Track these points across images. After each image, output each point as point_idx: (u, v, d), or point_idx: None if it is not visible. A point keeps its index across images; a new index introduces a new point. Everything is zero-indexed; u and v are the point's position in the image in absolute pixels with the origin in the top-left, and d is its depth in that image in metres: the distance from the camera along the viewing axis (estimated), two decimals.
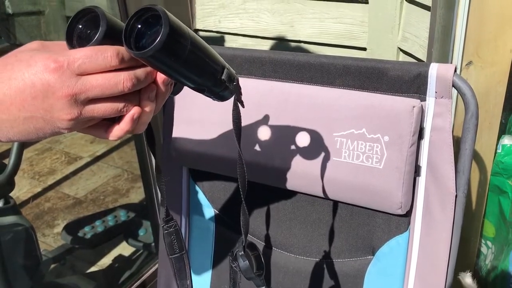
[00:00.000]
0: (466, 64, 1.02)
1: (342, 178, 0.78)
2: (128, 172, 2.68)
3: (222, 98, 0.57)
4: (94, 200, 2.45)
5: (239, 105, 0.57)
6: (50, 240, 2.16)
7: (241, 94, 0.57)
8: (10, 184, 1.26)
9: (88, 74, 0.48)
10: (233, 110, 0.57)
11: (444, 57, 1.00)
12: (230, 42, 1.42)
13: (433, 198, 0.78)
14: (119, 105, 0.50)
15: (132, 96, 0.51)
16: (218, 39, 1.43)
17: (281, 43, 1.33)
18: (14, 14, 1.80)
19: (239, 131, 0.57)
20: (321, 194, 0.82)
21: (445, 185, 0.75)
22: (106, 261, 1.98)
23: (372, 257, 0.84)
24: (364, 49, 1.21)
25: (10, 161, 1.21)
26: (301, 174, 0.82)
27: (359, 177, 0.77)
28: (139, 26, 0.48)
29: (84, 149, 2.91)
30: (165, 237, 0.69)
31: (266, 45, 1.37)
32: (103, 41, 0.49)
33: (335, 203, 0.86)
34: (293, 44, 1.32)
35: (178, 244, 0.70)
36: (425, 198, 0.79)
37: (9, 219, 1.41)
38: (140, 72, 0.50)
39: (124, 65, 0.49)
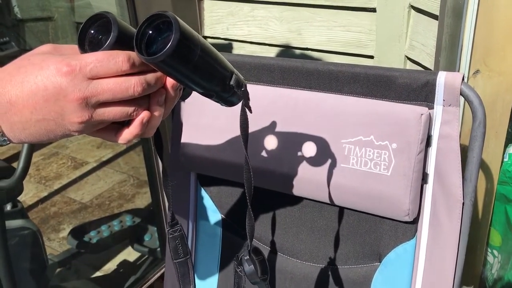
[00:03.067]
0: (474, 73, 1.02)
1: (349, 184, 0.79)
2: (133, 177, 2.69)
3: (230, 103, 0.58)
4: (99, 205, 2.46)
5: (247, 110, 0.58)
6: (56, 244, 2.17)
7: (249, 100, 0.58)
8: (19, 188, 1.26)
9: (100, 78, 0.49)
10: (240, 115, 0.57)
11: (452, 66, 1.00)
12: (238, 49, 1.43)
13: (440, 206, 0.78)
14: (129, 109, 0.51)
15: (142, 100, 0.52)
16: (226, 46, 1.44)
17: (288, 50, 1.34)
18: (24, 20, 1.82)
19: (247, 136, 0.58)
20: (329, 201, 0.83)
21: (452, 192, 0.76)
22: (111, 266, 1.98)
23: (378, 263, 0.85)
24: (371, 57, 1.22)
25: (19, 165, 1.21)
26: (309, 180, 0.82)
27: (366, 183, 0.77)
28: (150, 31, 0.49)
29: (90, 154, 2.92)
30: (170, 242, 0.70)
31: (273, 53, 1.37)
32: (114, 46, 0.50)
33: (342, 210, 0.86)
34: (300, 51, 1.32)
35: (182, 248, 0.71)
36: (432, 206, 0.79)
37: (17, 223, 1.41)
38: (150, 77, 0.51)
39: (134, 70, 0.50)
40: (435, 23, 1.03)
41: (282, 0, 1.29)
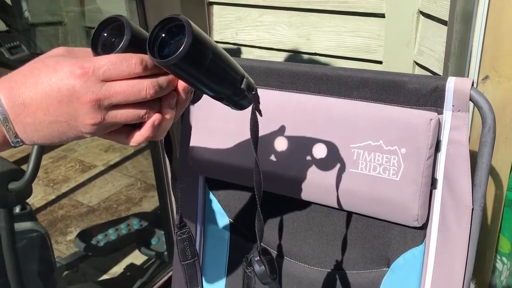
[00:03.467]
0: (483, 79, 1.02)
1: (358, 189, 0.79)
2: (141, 181, 2.70)
3: (240, 107, 0.58)
4: (107, 209, 2.46)
5: (257, 114, 0.58)
6: (63, 247, 2.18)
7: (260, 103, 0.58)
8: (28, 190, 1.27)
9: (113, 80, 0.49)
10: (251, 118, 0.58)
11: (461, 71, 1.00)
12: (247, 54, 1.44)
13: (449, 211, 0.78)
14: (141, 112, 0.51)
15: (153, 103, 0.52)
16: (235, 51, 1.45)
17: (297, 55, 1.34)
18: (35, 24, 1.84)
19: (257, 139, 0.58)
20: (337, 205, 0.83)
21: (462, 198, 0.76)
22: (118, 269, 1.98)
23: (387, 269, 0.84)
24: (380, 62, 1.22)
25: (28, 168, 1.22)
26: (318, 185, 0.82)
27: (375, 188, 0.77)
28: (163, 35, 0.50)
29: (98, 157, 2.93)
30: (178, 243, 0.70)
31: (282, 57, 1.38)
32: (127, 49, 0.50)
33: (351, 215, 0.86)
34: (309, 56, 1.33)
35: (190, 250, 0.71)
36: (441, 211, 0.79)
37: (26, 225, 1.42)
38: (163, 80, 0.51)
39: (147, 73, 0.50)
40: (444, 28, 1.03)
41: (291, 5, 1.30)
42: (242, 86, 0.54)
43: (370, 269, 0.86)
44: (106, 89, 0.48)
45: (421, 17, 1.12)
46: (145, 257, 1.94)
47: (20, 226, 1.39)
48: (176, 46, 0.48)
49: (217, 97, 0.55)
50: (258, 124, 0.58)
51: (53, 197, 2.56)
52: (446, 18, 1.01)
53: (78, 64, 0.48)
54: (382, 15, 1.17)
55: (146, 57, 0.50)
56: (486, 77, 1.02)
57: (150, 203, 2.49)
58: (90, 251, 1.85)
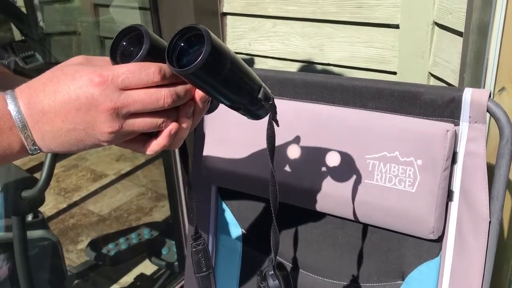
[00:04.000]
0: (499, 90, 1.01)
1: (374, 201, 0.78)
2: (152, 190, 2.70)
3: (257, 116, 0.58)
4: (117, 218, 2.47)
5: (274, 124, 0.58)
6: (74, 256, 2.18)
7: (276, 113, 0.58)
8: (40, 198, 1.28)
9: (131, 89, 0.49)
10: (267, 128, 0.57)
11: (477, 83, 1.00)
12: (260, 64, 1.44)
13: (465, 224, 0.77)
14: (159, 120, 0.51)
15: (170, 112, 0.52)
16: (248, 61, 1.45)
17: (310, 66, 1.34)
18: (49, 34, 1.86)
19: (273, 149, 0.58)
20: (352, 217, 0.82)
21: (479, 210, 0.75)
22: (128, 279, 1.98)
23: (401, 282, 0.83)
24: (394, 73, 1.21)
25: (41, 176, 1.23)
26: (332, 196, 0.82)
27: (391, 200, 0.76)
28: (182, 44, 0.50)
29: (109, 167, 2.94)
30: (193, 255, 0.69)
31: (295, 68, 1.38)
32: (146, 58, 0.50)
33: (365, 226, 0.85)
34: (322, 67, 1.33)
35: (205, 262, 0.70)
36: (458, 224, 0.78)
37: (38, 233, 1.43)
38: (180, 89, 0.51)
39: (165, 82, 0.50)
40: (459, 39, 1.03)
41: (304, 16, 1.30)
42: (260, 96, 0.54)
43: (385, 282, 0.85)
44: (124, 98, 0.49)
45: (436, 28, 1.11)
46: (156, 267, 1.94)
47: (32, 234, 1.39)
48: (195, 56, 0.48)
49: (234, 106, 0.55)
50: (274, 135, 0.58)
51: (64, 205, 2.57)
52: (461, 29, 1.01)
53: (97, 73, 0.48)
54: (396, 26, 1.17)
55: (165, 66, 0.50)
56: (503, 89, 1.01)
57: (161, 213, 2.49)
58: (100, 260, 1.85)
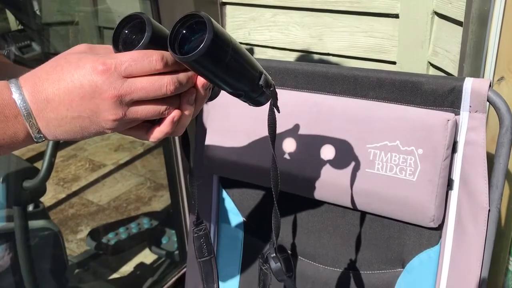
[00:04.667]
0: (498, 80, 1.01)
1: (375, 189, 0.79)
2: (150, 180, 2.71)
3: (258, 103, 0.58)
4: (117, 208, 2.48)
5: (275, 110, 0.58)
6: (73, 246, 2.19)
7: (277, 99, 0.59)
8: (42, 188, 1.28)
9: (134, 76, 0.50)
10: (268, 115, 0.58)
11: (476, 73, 1.00)
12: (260, 54, 1.44)
13: (465, 212, 0.78)
14: (161, 108, 0.52)
15: (173, 99, 0.53)
16: (248, 51, 1.45)
17: (310, 55, 1.34)
18: (46, 23, 1.85)
19: (274, 136, 0.59)
20: (353, 206, 0.83)
21: (478, 199, 0.75)
22: (128, 268, 1.99)
23: (402, 269, 0.84)
24: (394, 63, 1.22)
25: (43, 166, 1.23)
26: (333, 185, 0.82)
27: (392, 189, 0.77)
28: (184, 31, 0.50)
29: (108, 156, 2.94)
30: (194, 241, 0.70)
31: (295, 58, 1.38)
32: (148, 46, 0.51)
33: (366, 215, 0.86)
34: (321, 56, 1.33)
35: (207, 247, 0.71)
36: (457, 212, 0.79)
37: (39, 223, 1.43)
38: (182, 76, 0.52)
39: (167, 69, 0.51)
40: (459, 29, 1.03)
41: (304, 5, 1.30)
42: (261, 83, 0.55)
43: (385, 269, 0.86)
44: (127, 85, 0.49)
45: (436, 17, 1.11)
46: (155, 256, 1.95)
47: (33, 224, 1.40)
48: (197, 43, 0.49)
49: (235, 93, 0.55)
50: (276, 121, 0.58)
51: (63, 196, 2.58)
52: (461, 19, 1.01)
53: (100, 61, 0.49)
54: (396, 16, 1.17)
55: (167, 54, 0.51)
56: (502, 78, 1.01)
57: (160, 202, 2.50)
58: (101, 249, 1.87)
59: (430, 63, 1.16)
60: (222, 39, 0.49)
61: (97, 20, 1.77)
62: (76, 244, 2.19)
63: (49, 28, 1.82)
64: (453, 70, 1.07)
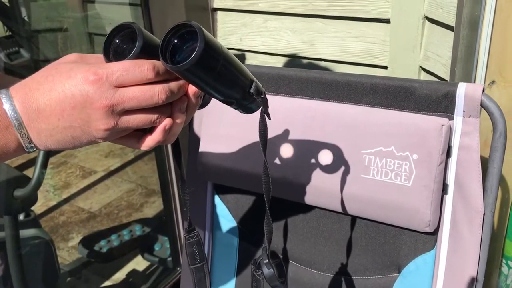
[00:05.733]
0: (489, 84, 1.02)
1: (370, 195, 0.79)
2: (142, 186, 2.69)
3: (249, 110, 0.59)
4: (108, 214, 2.46)
5: (266, 117, 0.59)
6: (65, 253, 2.17)
7: (268, 107, 0.59)
8: (33, 197, 1.27)
9: (125, 86, 0.50)
10: (260, 122, 0.58)
11: (468, 77, 1.01)
12: (251, 59, 1.44)
13: (460, 216, 0.78)
14: (153, 117, 0.52)
15: (164, 108, 0.53)
16: (239, 57, 1.45)
17: (301, 61, 1.35)
18: (34, 30, 1.83)
19: (265, 142, 0.59)
20: (348, 212, 0.83)
21: (473, 203, 0.76)
22: (121, 275, 1.98)
23: (397, 274, 0.85)
24: (385, 67, 1.22)
25: (34, 175, 1.22)
26: (328, 191, 0.82)
27: (387, 194, 0.77)
28: (175, 41, 0.50)
29: (98, 163, 2.93)
30: (187, 247, 0.70)
31: (287, 63, 1.38)
32: (139, 55, 0.51)
33: (361, 220, 0.86)
34: (313, 62, 1.33)
35: (199, 254, 0.71)
36: (452, 216, 0.79)
37: (30, 232, 1.42)
38: (174, 85, 0.52)
39: (159, 78, 0.51)
40: (450, 34, 1.04)
41: (295, 11, 1.30)
42: (251, 90, 0.55)
43: (381, 274, 0.86)
44: (119, 95, 0.49)
45: (427, 22, 1.12)
46: (148, 263, 1.94)
47: (24, 233, 1.39)
48: (188, 52, 0.49)
49: (226, 101, 0.56)
50: (267, 128, 0.59)
51: (54, 203, 2.56)
52: (452, 24, 1.02)
53: (91, 70, 0.49)
54: (387, 21, 1.18)
55: (158, 63, 0.51)
56: (493, 82, 1.02)
57: (152, 209, 2.48)
58: (93, 257, 1.85)
59: (421, 67, 1.17)
60: (213, 48, 0.49)
61: (87, 27, 1.76)
62: (68, 252, 2.17)
63: (38, 34, 1.81)
64: (445, 74, 1.08)
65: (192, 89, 0.53)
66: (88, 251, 1.84)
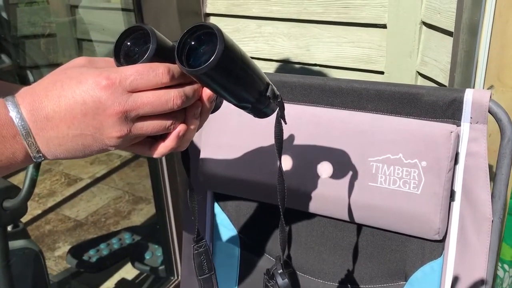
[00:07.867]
0: (488, 88, 1.03)
1: (378, 203, 0.78)
2: (129, 193, 2.65)
3: (264, 115, 0.57)
4: (95, 223, 2.42)
5: (282, 121, 0.57)
6: (52, 263, 2.12)
7: (284, 110, 0.57)
8: (23, 208, 1.23)
9: (139, 91, 0.47)
10: (275, 126, 0.56)
11: (467, 82, 1.01)
12: None
13: (468, 223, 0.77)
14: (167, 123, 0.49)
15: (178, 113, 0.50)
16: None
17: (297, 66, 1.34)
18: (21, 36, 1.80)
19: (281, 147, 0.57)
20: (355, 220, 0.82)
21: (481, 210, 0.75)
22: (110, 284, 1.94)
23: (404, 283, 0.84)
24: (382, 72, 1.22)
25: (24, 185, 1.19)
26: (335, 199, 0.81)
27: (396, 202, 0.77)
28: (192, 42, 0.48)
29: (84, 170, 2.88)
30: (195, 258, 0.68)
31: (281, 69, 1.37)
32: (153, 59, 0.49)
33: (367, 228, 0.85)
34: (309, 67, 1.32)
35: (207, 264, 0.69)
36: (460, 223, 0.78)
37: (19, 243, 1.38)
38: (189, 89, 0.50)
39: (173, 82, 0.49)
40: (448, 39, 1.04)
41: (290, 16, 1.29)
42: (268, 93, 0.53)
43: (387, 283, 0.85)
44: (133, 100, 0.47)
45: (424, 27, 1.12)
46: (138, 272, 1.91)
47: (13, 244, 1.35)
48: (204, 55, 0.47)
49: (241, 105, 0.54)
50: (282, 132, 0.57)
51: (39, 212, 2.50)
52: (450, 29, 1.02)
53: (103, 75, 0.46)
54: (383, 26, 1.17)
55: (173, 67, 0.48)
56: (491, 87, 1.03)
57: (140, 216, 2.45)
58: (82, 267, 1.81)
59: (418, 72, 1.17)
60: (233, 50, 0.47)
61: (74, 32, 1.73)
62: (54, 262, 2.13)
63: (21, 40, 1.77)
64: (443, 79, 1.08)
65: (206, 93, 0.51)
66: (77, 261, 1.80)
